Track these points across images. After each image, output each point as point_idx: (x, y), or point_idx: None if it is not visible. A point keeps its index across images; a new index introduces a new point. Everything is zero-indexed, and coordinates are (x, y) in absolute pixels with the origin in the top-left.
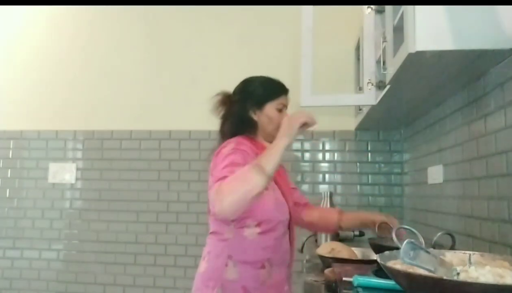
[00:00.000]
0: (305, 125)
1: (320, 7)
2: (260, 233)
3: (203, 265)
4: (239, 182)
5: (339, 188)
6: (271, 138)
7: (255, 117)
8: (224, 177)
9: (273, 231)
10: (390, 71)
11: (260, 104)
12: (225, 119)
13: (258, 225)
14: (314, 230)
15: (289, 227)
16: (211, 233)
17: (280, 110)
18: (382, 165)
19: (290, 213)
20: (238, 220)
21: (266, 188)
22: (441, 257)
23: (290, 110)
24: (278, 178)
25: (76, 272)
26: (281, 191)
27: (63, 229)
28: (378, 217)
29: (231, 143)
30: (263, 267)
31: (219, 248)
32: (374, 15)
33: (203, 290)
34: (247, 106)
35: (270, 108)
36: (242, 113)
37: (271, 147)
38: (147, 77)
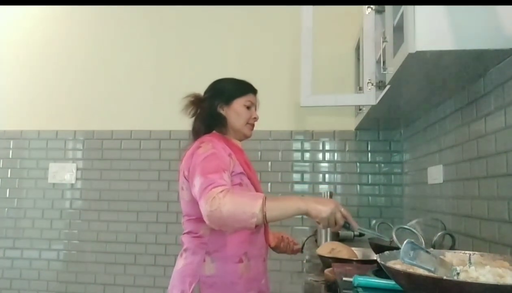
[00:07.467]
0: (336, 225)
1: (320, 7)
2: None
3: (180, 262)
4: (241, 212)
5: (339, 188)
6: (240, 136)
7: (223, 113)
8: (213, 183)
9: None
10: (390, 71)
11: (228, 100)
12: (195, 117)
13: None
14: None
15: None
16: (186, 232)
17: (248, 108)
18: (382, 165)
19: None
20: None
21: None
22: (441, 257)
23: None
24: (250, 173)
25: (76, 272)
26: (254, 186)
27: (63, 229)
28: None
29: (207, 143)
30: (241, 261)
31: (196, 245)
32: (374, 15)
33: (179, 286)
34: (216, 102)
35: (237, 104)
36: (210, 109)
37: (288, 199)
38: (147, 77)
